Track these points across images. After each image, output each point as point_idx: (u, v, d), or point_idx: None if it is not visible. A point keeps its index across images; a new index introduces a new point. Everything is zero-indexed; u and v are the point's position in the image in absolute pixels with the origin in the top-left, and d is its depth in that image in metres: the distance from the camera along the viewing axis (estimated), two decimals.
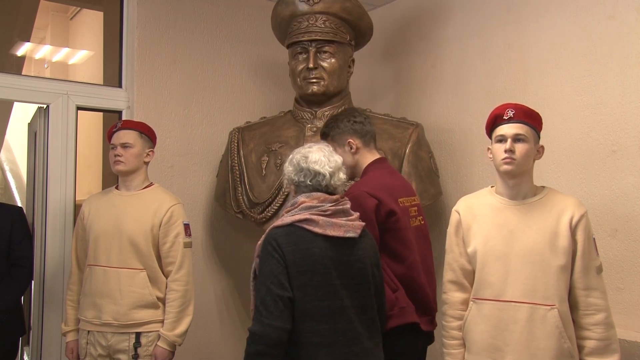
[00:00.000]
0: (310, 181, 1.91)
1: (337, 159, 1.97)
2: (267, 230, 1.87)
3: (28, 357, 3.37)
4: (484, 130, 2.16)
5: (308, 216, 1.84)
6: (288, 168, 1.96)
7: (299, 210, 1.86)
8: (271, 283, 1.76)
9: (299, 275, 1.79)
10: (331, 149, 2.02)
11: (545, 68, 2.76)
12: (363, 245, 1.94)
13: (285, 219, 1.86)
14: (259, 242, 1.88)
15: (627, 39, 2.45)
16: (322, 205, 1.88)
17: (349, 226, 1.90)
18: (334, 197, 1.92)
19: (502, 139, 2.00)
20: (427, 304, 2.27)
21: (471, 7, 3.15)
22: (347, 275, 1.87)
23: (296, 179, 1.93)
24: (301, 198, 1.90)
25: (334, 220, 1.87)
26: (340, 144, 2.34)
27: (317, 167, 1.91)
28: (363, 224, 1.96)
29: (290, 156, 1.99)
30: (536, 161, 2.09)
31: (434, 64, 3.37)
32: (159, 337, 2.47)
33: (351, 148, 2.34)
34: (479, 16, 3.11)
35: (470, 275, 2.10)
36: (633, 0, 2.44)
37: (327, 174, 1.91)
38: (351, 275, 1.88)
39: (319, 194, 1.91)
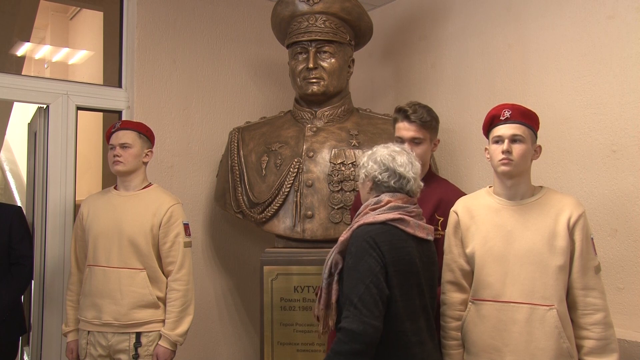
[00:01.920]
0: (394, 183, 1.88)
1: (419, 164, 1.96)
2: (356, 227, 1.83)
3: (28, 357, 3.37)
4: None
5: (400, 216, 1.83)
6: (371, 165, 1.90)
7: (388, 210, 1.84)
8: (370, 282, 1.72)
9: (397, 274, 1.78)
10: (414, 154, 1.99)
11: (545, 68, 2.76)
12: (434, 249, 1.98)
13: (377, 216, 1.82)
14: (342, 238, 1.83)
15: (627, 39, 2.45)
16: (408, 207, 1.87)
17: (429, 229, 1.93)
18: (414, 199, 1.92)
19: (499, 140, 2.00)
20: None
21: (471, 7, 3.15)
22: (427, 276, 1.90)
23: (380, 177, 1.88)
24: (386, 197, 1.87)
25: (418, 222, 1.89)
26: (431, 138, 2.34)
27: (402, 171, 1.88)
28: (432, 227, 2.00)
29: (371, 152, 1.94)
30: (536, 161, 2.09)
31: (434, 64, 3.37)
32: (159, 336, 2.48)
33: (435, 147, 2.38)
34: (479, 16, 3.11)
35: (468, 275, 2.10)
36: (633, 0, 2.44)
37: (412, 179, 1.89)
38: (429, 276, 1.91)
39: (401, 194, 1.89)
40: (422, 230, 1.89)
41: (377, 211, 1.85)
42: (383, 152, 1.92)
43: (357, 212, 1.92)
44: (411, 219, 1.86)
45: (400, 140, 2.30)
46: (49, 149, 3.01)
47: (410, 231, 1.85)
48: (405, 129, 2.31)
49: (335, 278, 1.83)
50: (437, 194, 2.32)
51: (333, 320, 1.83)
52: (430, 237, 1.93)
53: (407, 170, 1.89)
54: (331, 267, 1.84)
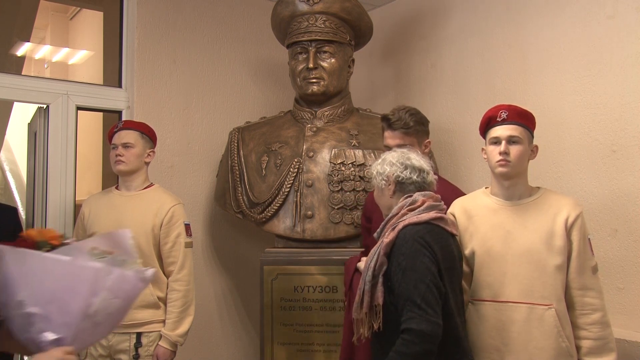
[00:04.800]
0: (417, 177, 1.91)
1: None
2: (402, 228, 1.82)
3: (28, 357, 3.36)
4: None
5: (440, 215, 1.87)
6: (388, 169, 1.92)
7: (426, 209, 1.85)
8: (430, 280, 1.73)
9: (447, 271, 1.81)
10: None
11: (545, 68, 2.76)
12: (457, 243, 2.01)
13: (420, 216, 1.83)
14: (387, 240, 1.82)
15: (627, 39, 2.45)
16: (440, 205, 1.90)
17: (455, 224, 2.00)
18: (439, 196, 1.94)
19: (496, 141, 2.01)
20: None
21: (471, 7, 3.16)
22: (460, 271, 1.95)
23: (402, 175, 1.90)
24: (419, 197, 1.88)
25: (450, 219, 1.95)
26: (419, 141, 2.32)
27: (419, 164, 1.93)
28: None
29: (380, 160, 1.97)
30: (536, 161, 2.09)
31: (434, 64, 3.37)
32: (159, 337, 2.48)
33: (426, 148, 2.36)
34: (478, 16, 3.11)
35: (467, 277, 2.09)
36: (633, 0, 2.44)
37: (429, 171, 1.95)
38: (460, 271, 1.96)
39: (430, 192, 1.92)
40: (453, 226, 1.94)
41: (416, 211, 1.85)
42: (393, 154, 1.96)
43: (391, 214, 1.90)
44: (448, 217, 1.91)
45: (388, 149, 2.27)
46: (49, 149, 3.01)
47: (448, 229, 1.89)
48: (390, 137, 2.30)
49: (380, 280, 1.81)
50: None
51: (378, 324, 1.80)
52: (457, 233, 1.97)
53: (422, 163, 1.93)
54: (375, 269, 1.82)
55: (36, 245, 1.38)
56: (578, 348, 1.94)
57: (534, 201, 2.02)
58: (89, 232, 2.56)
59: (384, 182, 1.93)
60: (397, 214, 1.88)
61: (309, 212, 2.76)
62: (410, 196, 1.89)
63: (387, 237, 1.83)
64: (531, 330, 1.92)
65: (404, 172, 1.90)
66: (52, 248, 1.40)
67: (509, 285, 1.96)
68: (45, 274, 1.30)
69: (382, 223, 1.93)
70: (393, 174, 1.91)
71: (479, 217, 2.07)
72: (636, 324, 2.38)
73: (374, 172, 1.97)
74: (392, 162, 1.93)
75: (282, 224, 2.80)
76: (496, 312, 1.98)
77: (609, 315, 1.98)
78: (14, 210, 2.99)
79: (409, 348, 1.68)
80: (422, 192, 1.90)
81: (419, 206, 1.86)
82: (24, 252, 1.32)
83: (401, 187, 1.91)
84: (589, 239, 2.00)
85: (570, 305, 1.96)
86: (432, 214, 1.85)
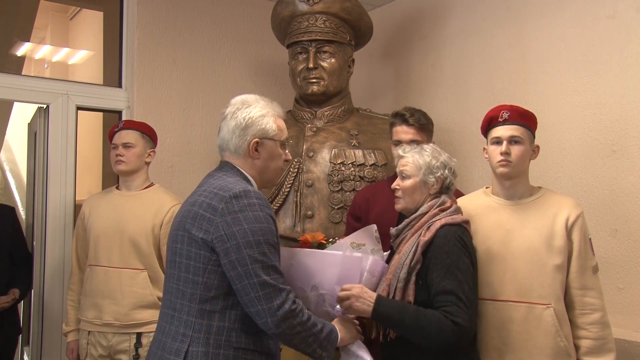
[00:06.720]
0: (455, 180, 1.96)
1: None
2: (439, 227, 1.83)
3: (28, 357, 3.37)
4: None
5: (467, 218, 1.91)
6: (443, 170, 1.92)
7: (454, 212, 1.89)
8: (472, 282, 1.79)
9: (475, 273, 1.86)
10: None
11: (545, 68, 2.76)
12: None
13: (454, 217, 1.86)
14: (425, 239, 1.82)
15: (627, 39, 2.45)
16: (460, 208, 1.94)
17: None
18: (456, 199, 1.97)
19: (497, 141, 2.00)
20: None
21: (471, 7, 3.16)
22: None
23: (450, 180, 1.93)
24: (447, 199, 1.92)
25: None
26: (427, 140, 2.34)
27: (455, 168, 1.97)
28: None
29: (427, 154, 1.94)
30: (536, 161, 2.09)
31: (434, 63, 3.37)
32: None
33: None
34: (478, 16, 3.11)
35: None
36: (633, 0, 2.44)
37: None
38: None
39: (452, 196, 1.96)
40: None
41: (447, 212, 1.88)
42: (439, 153, 1.96)
43: (420, 213, 1.90)
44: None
45: (398, 143, 2.33)
46: (49, 149, 3.01)
47: (471, 233, 1.92)
48: (403, 132, 2.35)
49: (413, 279, 1.82)
50: None
51: None
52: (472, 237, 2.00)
53: (455, 166, 1.97)
54: (410, 267, 1.83)
55: (312, 245, 1.91)
56: (577, 347, 1.95)
57: (535, 201, 2.03)
58: (89, 232, 2.56)
59: (433, 180, 1.92)
60: (427, 212, 1.89)
61: (309, 212, 2.76)
62: (439, 197, 1.92)
63: (424, 235, 1.84)
64: (530, 329, 1.92)
65: (451, 176, 1.94)
66: (325, 246, 1.91)
67: (508, 284, 1.96)
68: (327, 265, 1.78)
69: (407, 220, 1.92)
70: (446, 178, 1.93)
71: (480, 216, 2.07)
72: (636, 323, 2.38)
73: (421, 163, 1.92)
74: (444, 163, 1.93)
75: (282, 224, 2.79)
76: (495, 311, 1.97)
77: (609, 315, 1.98)
78: (12, 209, 3.01)
79: (448, 337, 1.71)
80: (451, 195, 1.95)
81: (449, 207, 1.89)
82: (307, 251, 1.84)
83: (444, 190, 1.94)
84: (590, 239, 2.00)
85: (570, 305, 1.96)
86: (462, 217, 1.89)
